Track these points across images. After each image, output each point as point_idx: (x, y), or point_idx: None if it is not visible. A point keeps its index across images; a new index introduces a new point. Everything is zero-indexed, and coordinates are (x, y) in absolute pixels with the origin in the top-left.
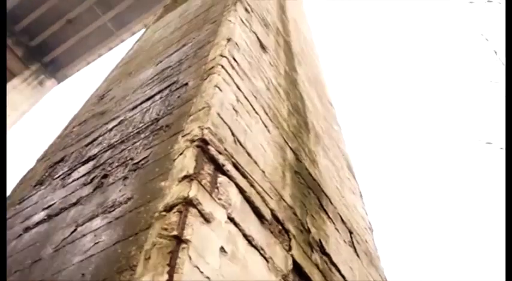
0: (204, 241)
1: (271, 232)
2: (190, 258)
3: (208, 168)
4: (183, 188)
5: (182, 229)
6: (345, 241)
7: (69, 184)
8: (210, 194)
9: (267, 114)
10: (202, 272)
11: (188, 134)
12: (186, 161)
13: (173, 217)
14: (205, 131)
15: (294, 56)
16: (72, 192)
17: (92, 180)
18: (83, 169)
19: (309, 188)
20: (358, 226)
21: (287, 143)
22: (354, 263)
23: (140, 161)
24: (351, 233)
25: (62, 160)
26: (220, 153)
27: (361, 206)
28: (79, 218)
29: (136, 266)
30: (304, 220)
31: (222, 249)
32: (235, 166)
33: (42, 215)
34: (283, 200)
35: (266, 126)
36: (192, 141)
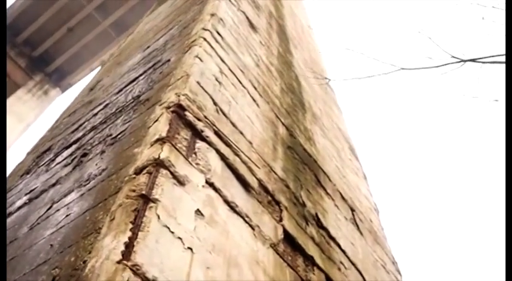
0: (176, 202)
1: (260, 202)
2: (158, 217)
3: (185, 133)
4: (154, 150)
5: (151, 189)
6: (345, 218)
7: (52, 168)
8: (186, 158)
9: (256, 89)
10: (172, 232)
11: (165, 102)
12: (160, 126)
13: (142, 178)
14: (182, 97)
15: (288, 39)
16: (54, 175)
17: (72, 160)
18: (66, 153)
19: (304, 163)
20: (362, 205)
21: (279, 119)
22: (356, 240)
23: (118, 135)
24: (352, 210)
25: (48, 149)
26: (199, 120)
27: (366, 187)
28: (56, 196)
29: (101, 228)
30: (298, 194)
31: (199, 212)
32: (217, 133)
33: (24, 199)
34: (274, 172)
35: (255, 101)
36: (168, 107)
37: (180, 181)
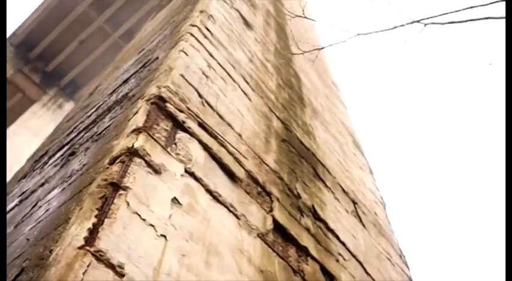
0: (150, 190)
1: (248, 192)
2: (128, 204)
3: (165, 124)
4: (129, 140)
5: (122, 177)
6: (346, 210)
7: (44, 170)
8: (164, 148)
9: (248, 83)
10: (144, 220)
11: (147, 95)
12: (138, 117)
13: (115, 167)
14: (163, 89)
15: (288, 37)
16: (44, 175)
17: (61, 160)
18: (58, 154)
19: (301, 156)
20: (365, 198)
21: (274, 113)
22: (358, 232)
23: (102, 131)
24: (355, 203)
25: (45, 153)
26: (181, 111)
27: (371, 181)
28: (42, 195)
29: (71, 218)
30: (293, 186)
31: (175, 200)
32: (202, 125)
33: (15, 202)
34: (266, 164)
35: (246, 95)
36: (149, 100)
37: (155, 170)
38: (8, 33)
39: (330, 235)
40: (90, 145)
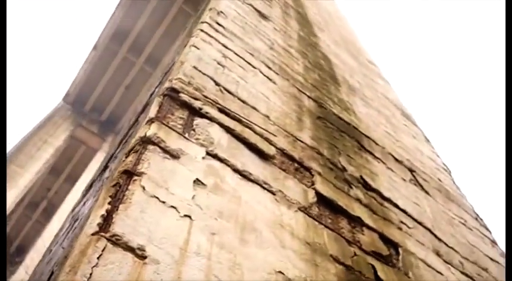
0: (168, 174)
1: (283, 169)
2: (143, 188)
3: (180, 113)
4: (142, 131)
5: (136, 165)
6: (403, 179)
7: (88, 192)
8: (181, 134)
9: (270, 68)
10: (163, 202)
11: (161, 91)
12: (151, 110)
13: (130, 158)
14: (175, 81)
15: (311, 24)
16: (87, 195)
17: (100, 176)
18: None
19: (341, 131)
20: (424, 166)
21: (304, 93)
22: (421, 200)
23: (128, 138)
24: (412, 171)
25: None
26: (196, 99)
27: (428, 149)
28: (83, 210)
29: (90, 215)
30: (336, 160)
31: (198, 181)
32: (222, 110)
33: (67, 224)
34: (300, 141)
35: (270, 79)
36: (162, 93)
37: (172, 155)
38: (62, 94)
39: (386, 203)
40: (119, 153)
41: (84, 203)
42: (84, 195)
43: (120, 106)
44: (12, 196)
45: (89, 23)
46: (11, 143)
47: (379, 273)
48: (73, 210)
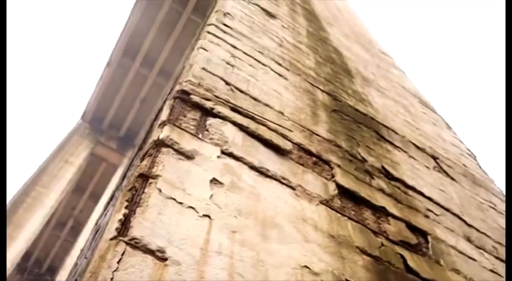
0: (183, 174)
1: (301, 164)
2: (160, 191)
3: (192, 115)
4: (155, 134)
5: (150, 168)
6: (426, 167)
7: (110, 204)
8: (195, 135)
9: (280, 65)
10: (181, 203)
11: (172, 95)
12: (162, 113)
13: (144, 162)
14: (184, 84)
15: (320, 19)
16: (108, 207)
17: (119, 185)
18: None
19: (358, 123)
20: (448, 152)
21: (317, 87)
22: (446, 186)
23: (143, 145)
24: (435, 158)
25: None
26: (208, 100)
27: (450, 135)
28: (105, 220)
29: (108, 222)
30: (355, 151)
31: (215, 180)
32: (234, 109)
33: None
34: (316, 134)
35: (281, 75)
36: (173, 96)
37: (187, 156)
38: (80, 113)
39: (410, 192)
40: (135, 160)
41: (106, 214)
42: (105, 207)
43: (137, 120)
44: (40, 217)
45: (100, 39)
46: (34, 165)
47: (409, 262)
48: (96, 223)
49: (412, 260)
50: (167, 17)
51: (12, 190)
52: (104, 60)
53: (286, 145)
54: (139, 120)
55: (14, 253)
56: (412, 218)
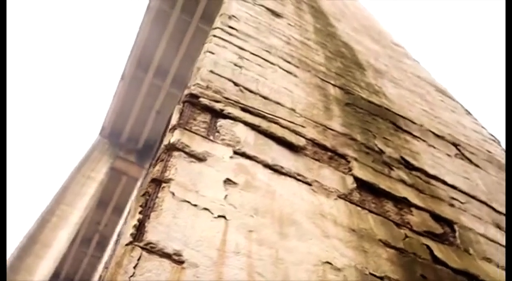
0: (196, 177)
1: (316, 159)
2: (173, 194)
3: (202, 117)
4: (166, 139)
5: (163, 172)
6: (448, 155)
7: None
8: (206, 137)
9: (289, 62)
10: (195, 205)
11: (181, 99)
12: (172, 118)
13: (157, 167)
14: (193, 87)
15: (327, 15)
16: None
17: None
18: None
19: (373, 115)
20: (469, 138)
21: (328, 82)
22: (470, 173)
23: (156, 152)
24: (456, 146)
25: None
26: (217, 101)
27: (471, 121)
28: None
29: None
30: (371, 143)
31: (229, 181)
32: (245, 109)
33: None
34: (331, 129)
35: (290, 72)
36: (182, 101)
37: (199, 158)
38: (98, 129)
39: (433, 181)
40: (150, 168)
41: (125, 224)
42: (126, 218)
43: (154, 132)
44: (66, 235)
45: (113, 53)
46: (57, 182)
47: (435, 253)
48: (118, 234)
49: (439, 251)
50: (176, 27)
51: (37, 209)
52: (117, 72)
53: (300, 141)
54: (156, 131)
55: (43, 272)
56: (436, 207)
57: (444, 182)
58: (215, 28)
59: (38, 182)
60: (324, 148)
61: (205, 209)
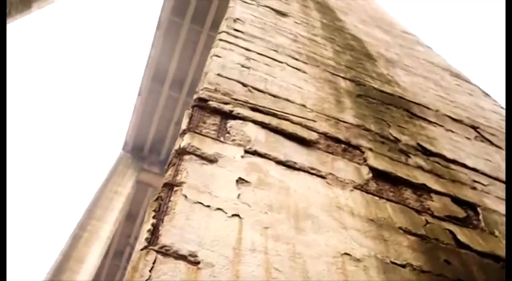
0: (208, 178)
1: (330, 152)
2: (185, 197)
3: (212, 120)
4: (176, 144)
5: (174, 176)
6: (467, 138)
7: None
8: (216, 139)
9: (297, 59)
10: (208, 206)
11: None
12: (182, 123)
13: (169, 171)
14: (201, 92)
15: (333, 10)
16: None
17: None
18: None
19: (386, 104)
20: (489, 120)
21: (338, 76)
22: (492, 155)
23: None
24: (475, 128)
25: None
26: (226, 103)
27: (490, 103)
28: None
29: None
30: (386, 132)
31: (241, 180)
32: (254, 108)
33: None
34: (343, 121)
35: (298, 69)
36: (191, 105)
37: (210, 160)
38: (121, 144)
39: (452, 165)
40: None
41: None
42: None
43: (174, 142)
44: (98, 249)
45: (128, 66)
46: (86, 198)
47: (459, 237)
48: None
49: (463, 234)
50: (188, 37)
51: (68, 224)
52: (135, 88)
53: (312, 136)
54: (175, 141)
55: None
56: (458, 191)
57: (465, 166)
58: (221, 32)
59: (66, 200)
60: (337, 140)
61: (219, 209)
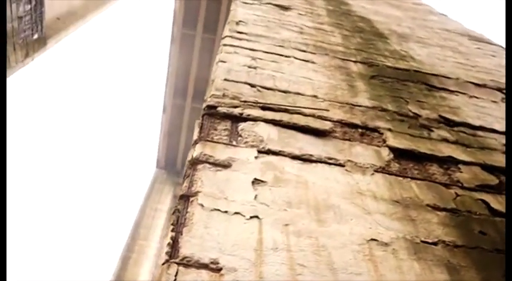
0: (223, 184)
1: (346, 139)
2: (202, 206)
3: (223, 125)
4: (189, 155)
5: (190, 187)
6: (493, 101)
7: None
8: (228, 143)
9: (304, 51)
10: (226, 212)
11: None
12: (194, 134)
13: (184, 183)
14: (209, 99)
15: None
16: None
17: None
18: None
19: (402, 81)
20: None
21: (348, 60)
22: None
23: None
24: (501, 90)
25: None
26: (235, 107)
27: None
28: None
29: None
30: (404, 110)
31: (257, 180)
32: (264, 107)
33: None
34: (358, 106)
35: (307, 60)
36: (201, 115)
37: (223, 165)
38: (154, 162)
39: (479, 132)
40: None
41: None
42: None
43: None
44: (148, 268)
45: (151, 82)
46: (129, 217)
47: (492, 205)
48: None
49: (497, 202)
50: (202, 46)
51: (115, 245)
52: (158, 99)
53: (326, 125)
54: None
55: None
56: (487, 158)
57: (493, 130)
58: (224, 37)
59: (106, 221)
60: (353, 126)
61: (237, 213)
